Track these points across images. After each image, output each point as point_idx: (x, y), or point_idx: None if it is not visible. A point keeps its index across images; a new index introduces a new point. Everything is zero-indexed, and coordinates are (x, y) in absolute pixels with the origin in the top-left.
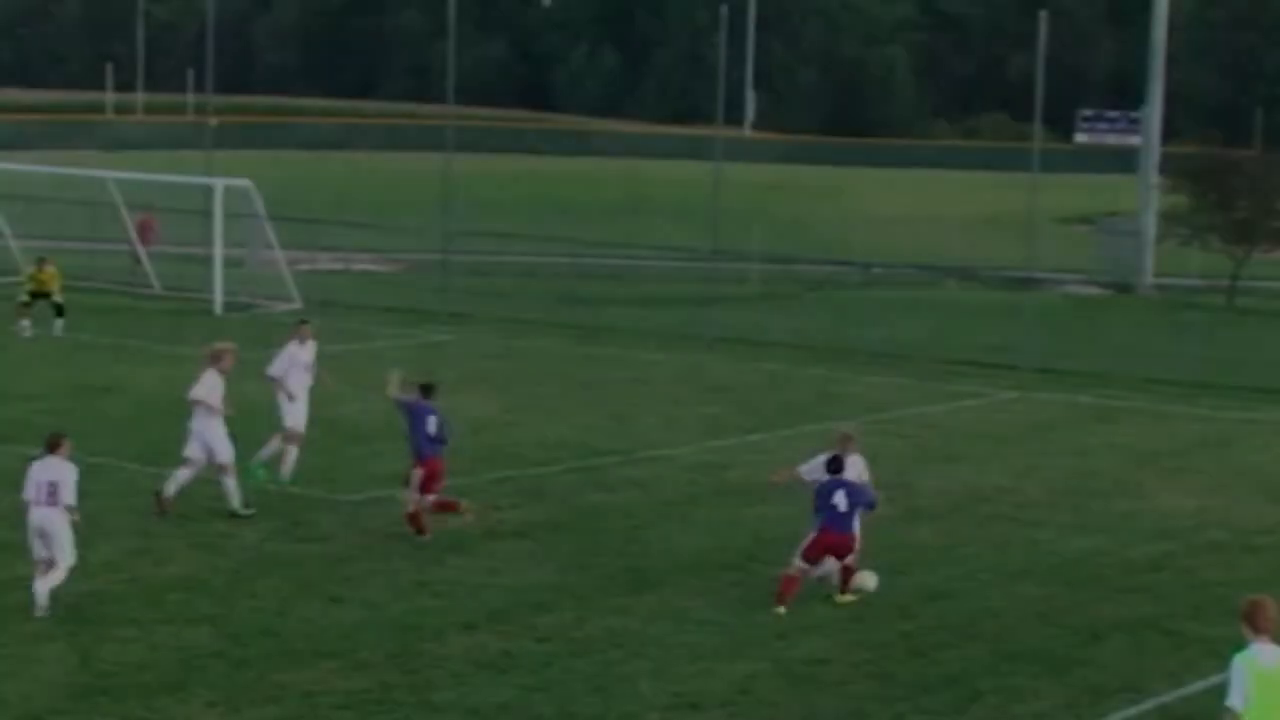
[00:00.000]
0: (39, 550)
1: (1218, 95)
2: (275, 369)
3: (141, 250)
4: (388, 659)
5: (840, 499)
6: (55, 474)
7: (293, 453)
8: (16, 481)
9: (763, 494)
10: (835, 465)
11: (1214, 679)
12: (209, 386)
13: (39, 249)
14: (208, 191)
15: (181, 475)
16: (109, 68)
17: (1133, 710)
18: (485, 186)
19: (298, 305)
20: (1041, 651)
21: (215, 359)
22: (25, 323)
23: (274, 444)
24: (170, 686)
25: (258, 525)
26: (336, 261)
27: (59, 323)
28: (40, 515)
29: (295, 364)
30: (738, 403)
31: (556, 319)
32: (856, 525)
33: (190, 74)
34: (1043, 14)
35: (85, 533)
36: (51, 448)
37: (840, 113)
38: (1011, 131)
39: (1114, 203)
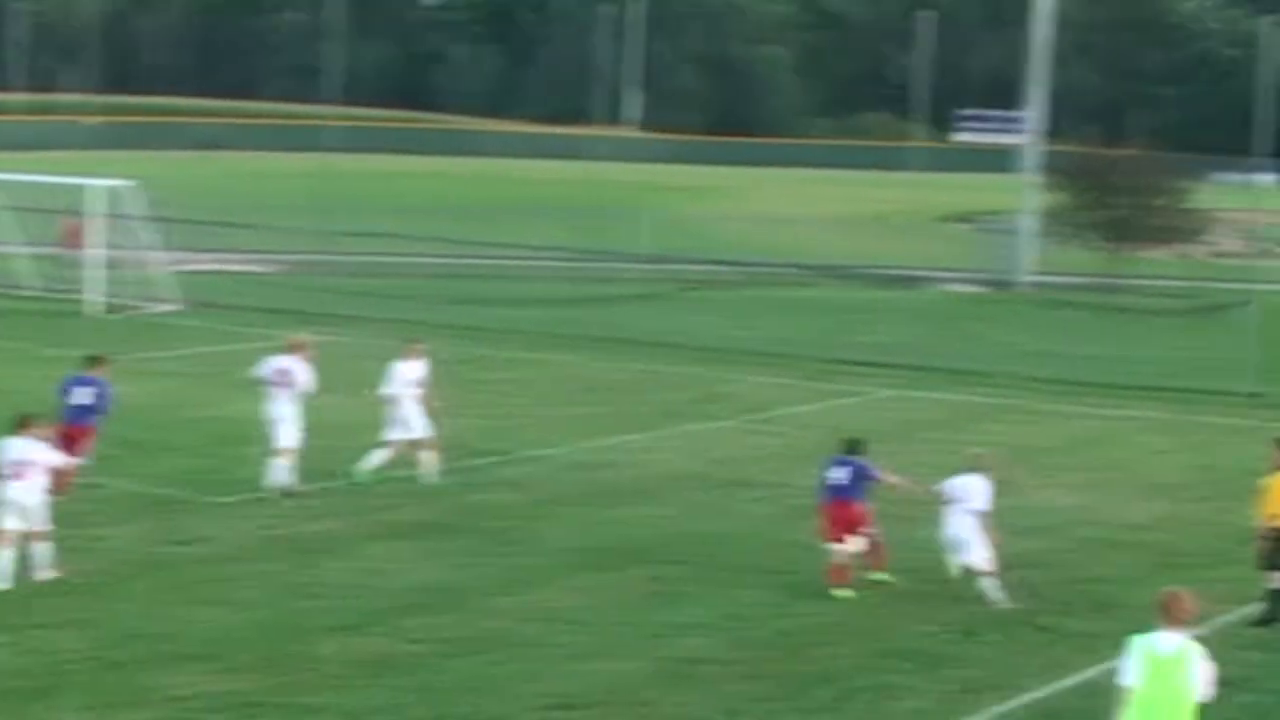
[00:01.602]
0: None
1: (1097, 95)
2: (388, 389)
3: (69, 255)
4: (261, 662)
5: (840, 473)
6: (25, 453)
7: (382, 454)
8: None
9: (640, 494)
10: (853, 447)
11: (1086, 674)
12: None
13: None
14: (88, 192)
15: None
16: None
17: (1005, 706)
18: (367, 186)
19: (178, 306)
20: (916, 648)
21: (296, 348)
22: None
23: (427, 457)
24: (41, 692)
25: (130, 528)
26: (217, 262)
27: None
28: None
29: (404, 381)
30: (616, 403)
31: (437, 319)
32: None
33: (71, 73)
34: (924, 14)
35: None
36: (21, 427)
37: (723, 112)
38: (893, 131)
39: (993, 201)
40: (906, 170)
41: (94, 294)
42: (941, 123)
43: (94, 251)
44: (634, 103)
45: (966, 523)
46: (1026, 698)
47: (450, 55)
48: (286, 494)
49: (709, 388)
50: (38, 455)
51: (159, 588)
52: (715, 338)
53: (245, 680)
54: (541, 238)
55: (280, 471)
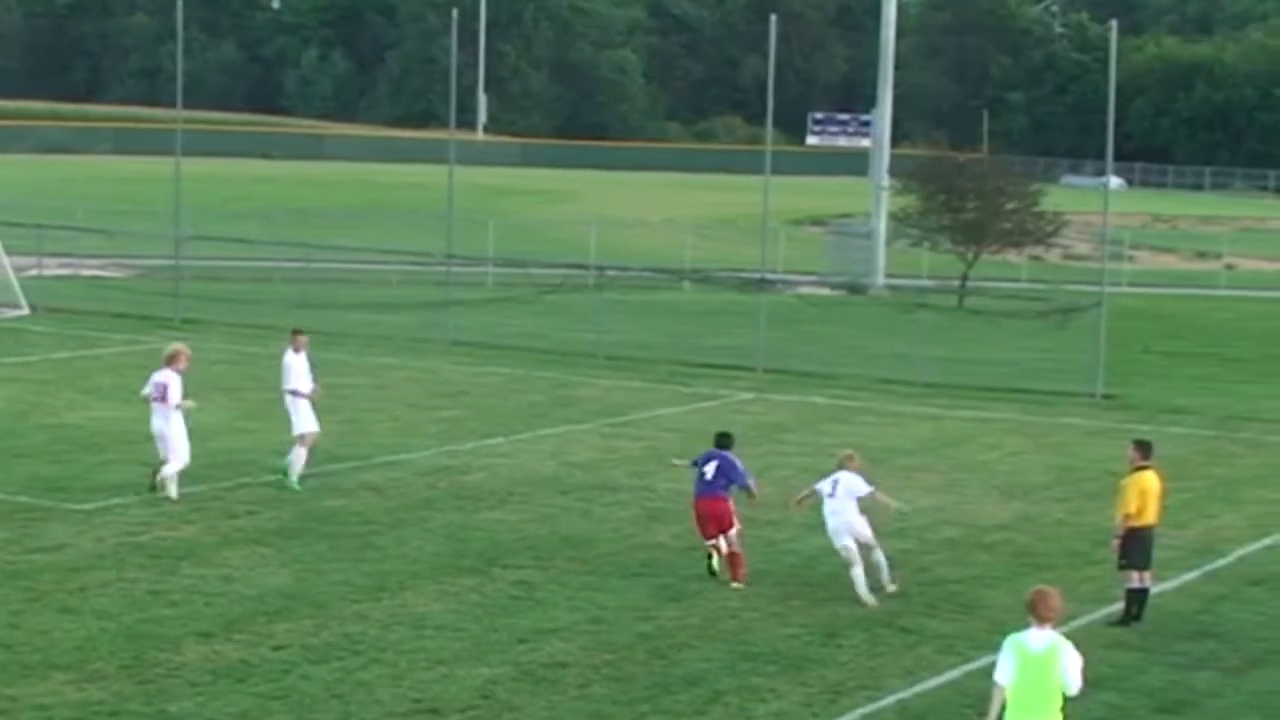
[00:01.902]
0: None
1: (945, 98)
2: (288, 383)
3: None
4: (122, 670)
5: (709, 469)
6: None
7: (303, 455)
8: None
9: (501, 498)
10: (722, 441)
11: (949, 674)
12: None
13: None
14: None
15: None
16: None
17: (870, 707)
18: (217, 190)
19: (25, 311)
20: (780, 651)
21: (172, 360)
22: None
23: (299, 452)
24: None
25: None
26: (65, 267)
27: None
28: None
29: (298, 373)
30: (474, 407)
31: (290, 324)
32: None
33: None
34: (773, 17)
35: None
36: None
37: (573, 116)
38: (744, 134)
39: (846, 205)
40: (758, 174)
41: None
42: (792, 126)
43: None
44: (482, 107)
45: (849, 508)
46: (891, 699)
47: (298, 58)
48: (168, 499)
49: (567, 391)
50: None
51: (17, 597)
52: (572, 341)
53: (108, 688)
54: (392, 241)
55: (172, 483)
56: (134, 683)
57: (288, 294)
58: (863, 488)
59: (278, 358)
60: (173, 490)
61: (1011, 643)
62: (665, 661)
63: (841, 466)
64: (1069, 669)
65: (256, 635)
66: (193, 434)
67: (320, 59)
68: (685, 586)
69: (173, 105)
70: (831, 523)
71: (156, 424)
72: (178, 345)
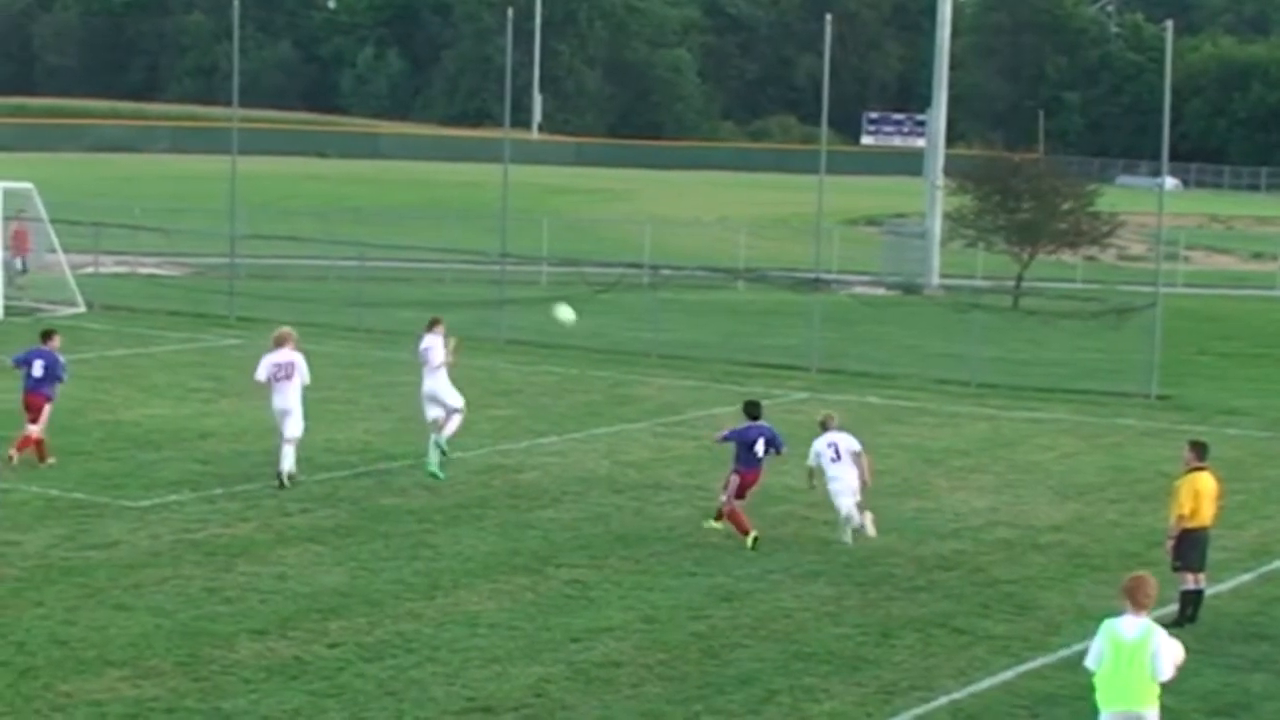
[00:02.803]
0: None
1: (1001, 99)
2: (435, 360)
3: (16, 262)
4: (177, 666)
5: (759, 446)
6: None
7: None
8: None
9: (555, 497)
10: (754, 411)
11: (1003, 675)
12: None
13: None
14: None
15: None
16: None
17: (923, 708)
18: (272, 189)
19: (81, 309)
20: (833, 650)
21: (283, 341)
22: None
23: (453, 423)
24: None
25: (42, 533)
26: (121, 265)
27: None
28: None
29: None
30: (529, 405)
31: (345, 323)
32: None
33: None
34: (829, 17)
35: None
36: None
37: (627, 115)
38: (798, 134)
39: (900, 205)
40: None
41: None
42: (847, 126)
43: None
44: (537, 106)
45: (852, 470)
46: (945, 699)
47: (354, 58)
48: (292, 480)
49: (621, 390)
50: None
51: (73, 594)
52: (626, 340)
53: (163, 685)
54: (446, 240)
55: (288, 460)
56: (188, 679)
57: (342, 292)
58: (856, 443)
59: (331, 356)
60: (290, 464)
61: (1105, 629)
62: (718, 661)
63: (827, 428)
64: (1160, 655)
65: (311, 633)
66: (249, 431)
67: (376, 58)
68: (738, 586)
69: (229, 104)
70: (836, 485)
71: (282, 402)
72: (287, 328)
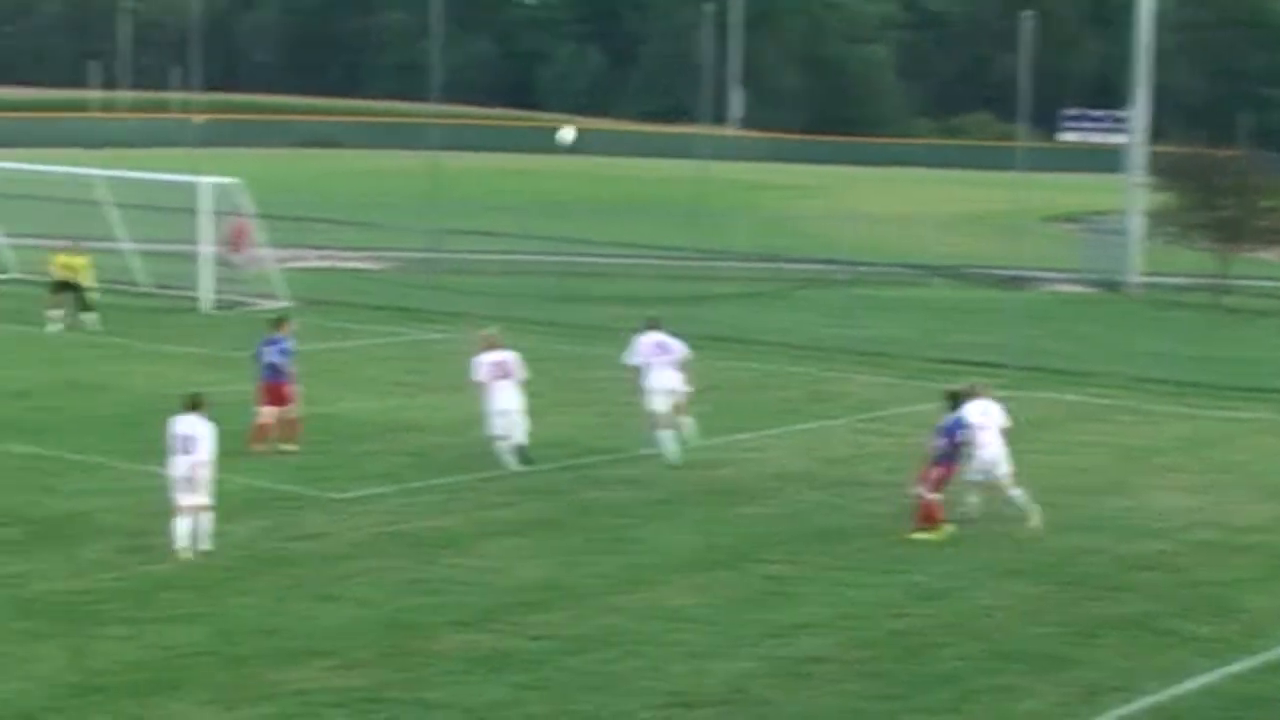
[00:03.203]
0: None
1: (1203, 94)
2: (633, 359)
3: (235, 257)
4: (381, 657)
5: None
6: (193, 430)
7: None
8: (7, 480)
9: (753, 493)
10: (956, 401)
11: (1205, 678)
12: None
13: (22, 247)
14: (194, 189)
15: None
16: (93, 65)
17: (1125, 709)
18: (472, 184)
19: (285, 303)
20: (1034, 650)
21: (490, 344)
22: (56, 312)
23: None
24: (164, 685)
25: (249, 524)
26: (324, 260)
27: (90, 316)
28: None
29: (650, 352)
30: (726, 402)
31: (544, 317)
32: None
33: (176, 71)
34: (1026, 13)
35: (76, 532)
36: (191, 407)
37: (824, 111)
38: (995, 130)
39: (1098, 201)
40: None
41: (206, 291)
42: (1044, 122)
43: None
44: (735, 102)
45: (996, 442)
46: (1147, 701)
47: (553, 54)
48: (525, 460)
49: (818, 387)
50: (203, 432)
51: (279, 583)
52: (823, 337)
53: (367, 675)
54: (644, 236)
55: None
56: (392, 670)
57: (541, 287)
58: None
59: (530, 350)
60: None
61: None
62: (918, 659)
63: (976, 395)
64: None
65: (513, 625)
66: (452, 425)
67: (574, 54)
68: (938, 584)
69: (429, 100)
70: (987, 454)
71: (504, 402)
72: (492, 330)
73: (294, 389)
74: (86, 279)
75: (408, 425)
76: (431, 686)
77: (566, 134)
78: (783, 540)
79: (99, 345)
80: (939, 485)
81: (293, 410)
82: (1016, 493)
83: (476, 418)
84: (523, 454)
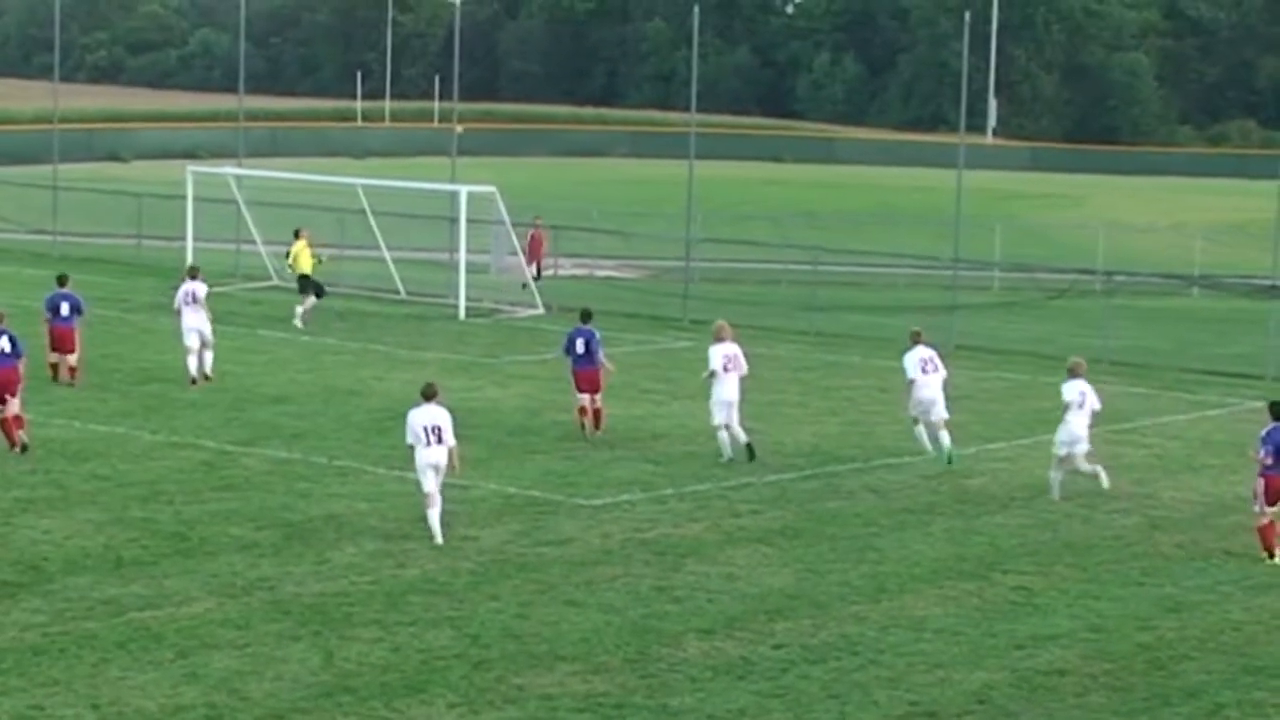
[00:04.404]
0: (429, 484)
1: None
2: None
3: (530, 267)
4: (626, 663)
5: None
6: (438, 419)
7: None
8: (264, 484)
9: (1003, 503)
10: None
11: None
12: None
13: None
14: (453, 198)
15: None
16: (358, 75)
17: None
18: (728, 193)
19: (540, 311)
20: None
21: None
22: (300, 309)
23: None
24: (411, 687)
25: (498, 529)
26: (580, 267)
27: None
28: (432, 454)
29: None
30: (978, 411)
31: (797, 326)
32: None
33: (437, 81)
34: None
35: (330, 535)
36: (428, 397)
37: (1083, 120)
38: (1258, 138)
39: None
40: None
41: (459, 298)
42: None
43: (459, 256)
44: (992, 110)
45: (1084, 422)
46: None
47: (810, 63)
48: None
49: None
50: (446, 420)
51: (526, 588)
52: (1076, 347)
53: (612, 681)
54: (898, 245)
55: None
56: (637, 676)
57: (795, 296)
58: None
59: (781, 359)
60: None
61: None
62: (1164, 673)
63: (1077, 374)
64: None
65: (757, 633)
66: (700, 433)
67: (832, 63)
68: (1187, 597)
69: (687, 109)
70: (1072, 432)
71: (730, 393)
72: (724, 322)
73: (602, 376)
74: (306, 265)
75: (656, 433)
76: (675, 693)
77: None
78: (1031, 551)
79: (355, 351)
80: (1269, 499)
81: (598, 400)
82: (1098, 468)
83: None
84: (751, 451)
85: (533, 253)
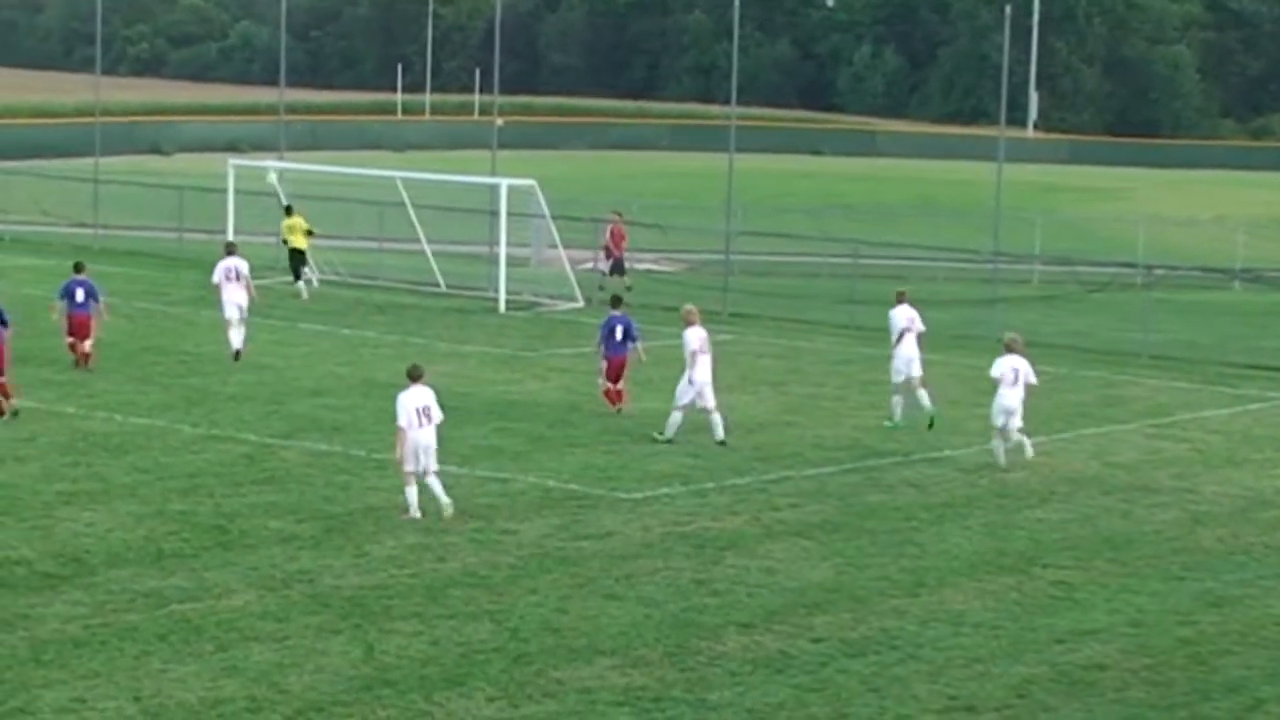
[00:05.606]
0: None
1: None
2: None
3: (605, 261)
4: (665, 657)
5: None
6: (426, 399)
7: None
8: (304, 476)
9: (1042, 497)
10: None
11: None
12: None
13: (325, 247)
14: (493, 191)
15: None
16: (398, 68)
17: None
18: (768, 186)
19: (580, 304)
20: None
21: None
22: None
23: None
24: (451, 680)
25: (537, 522)
26: None
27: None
28: (423, 434)
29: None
30: None
31: (836, 319)
32: None
33: (477, 74)
34: None
35: (369, 528)
36: (415, 378)
37: (1124, 113)
38: None
39: None
40: None
41: (499, 291)
42: None
43: (499, 249)
44: (1033, 103)
45: (1018, 395)
46: None
47: (851, 56)
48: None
49: (1110, 390)
50: (433, 400)
51: (566, 582)
52: (1117, 341)
53: (651, 674)
54: (939, 238)
55: (719, 429)
56: (676, 670)
57: (834, 289)
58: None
59: (821, 352)
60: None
61: None
62: (1205, 667)
63: (1013, 350)
64: None
65: (796, 627)
66: (738, 427)
67: (873, 56)
68: (1227, 592)
69: (727, 102)
70: (1005, 405)
71: (704, 375)
72: (693, 306)
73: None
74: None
75: (695, 426)
76: (714, 687)
77: (271, 177)
78: (1070, 545)
79: (394, 345)
80: None
81: (620, 384)
82: (1024, 440)
83: (764, 420)
84: (725, 429)
85: (615, 246)
